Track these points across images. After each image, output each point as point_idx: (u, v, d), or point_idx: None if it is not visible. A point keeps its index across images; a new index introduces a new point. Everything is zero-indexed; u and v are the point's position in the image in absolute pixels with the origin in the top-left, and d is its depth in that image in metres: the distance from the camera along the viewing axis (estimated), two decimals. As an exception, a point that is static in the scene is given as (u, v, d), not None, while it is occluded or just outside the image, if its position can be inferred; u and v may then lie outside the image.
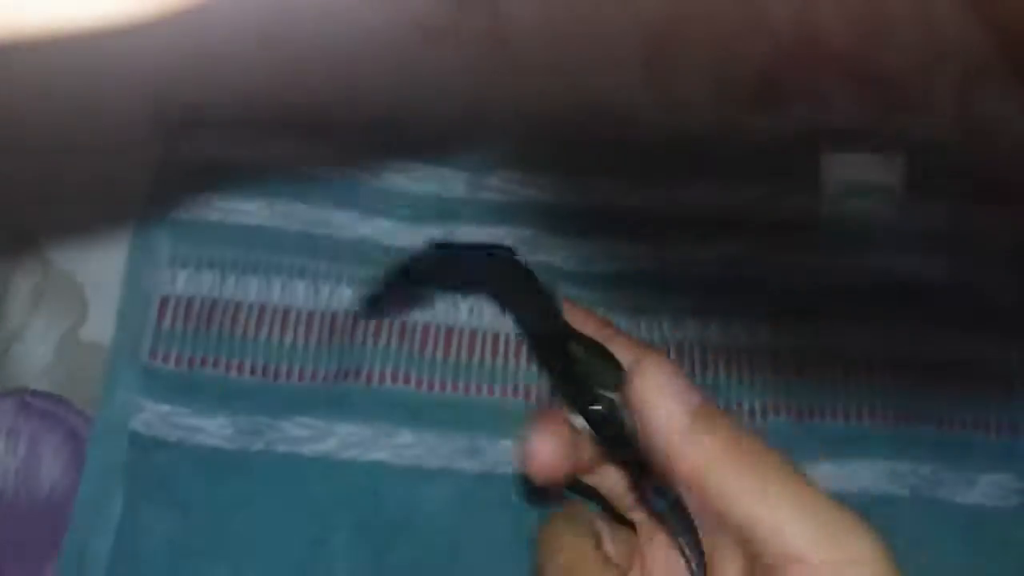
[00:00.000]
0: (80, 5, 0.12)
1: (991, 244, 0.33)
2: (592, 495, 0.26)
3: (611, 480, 0.26)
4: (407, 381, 0.30)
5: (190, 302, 0.30)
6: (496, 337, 0.31)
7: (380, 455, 0.29)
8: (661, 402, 0.23)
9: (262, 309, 0.31)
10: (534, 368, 0.31)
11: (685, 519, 0.23)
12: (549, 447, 0.24)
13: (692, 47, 0.34)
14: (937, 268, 0.33)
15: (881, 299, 0.32)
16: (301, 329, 0.31)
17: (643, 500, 0.25)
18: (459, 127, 0.32)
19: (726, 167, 0.33)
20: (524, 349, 0.31)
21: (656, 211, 0.33)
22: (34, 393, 0.29)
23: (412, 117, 0.32)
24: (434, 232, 0.32)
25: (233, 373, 0.30)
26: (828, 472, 0.30)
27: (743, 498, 0.21)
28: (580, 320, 0.27)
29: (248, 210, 0.31)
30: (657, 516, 0.25)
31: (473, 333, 0.31)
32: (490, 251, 0.29)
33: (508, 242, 0.32)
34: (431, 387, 0.30)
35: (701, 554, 0.23)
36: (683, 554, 0.23)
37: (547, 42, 0.33)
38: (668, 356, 0.30)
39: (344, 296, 0.31)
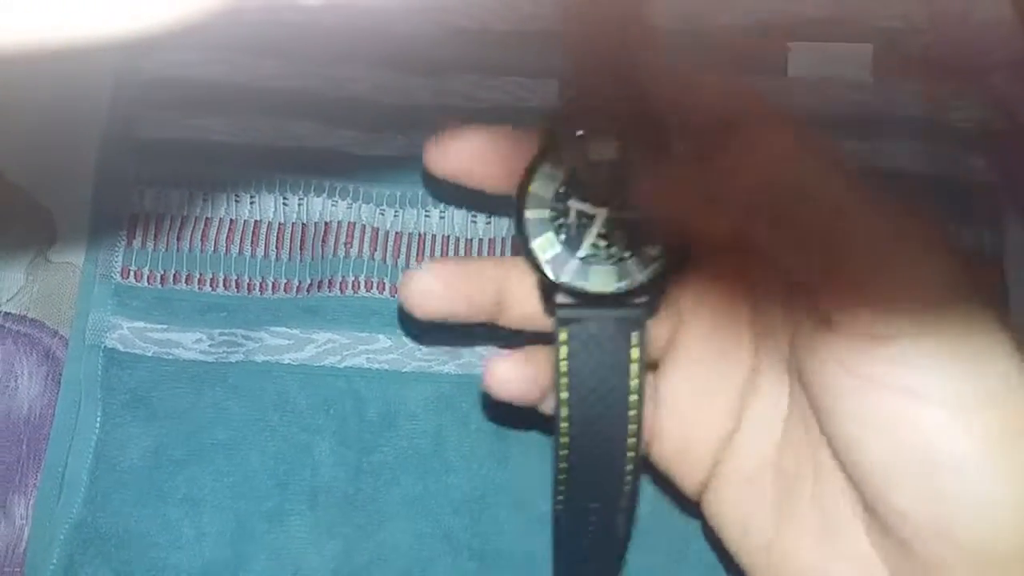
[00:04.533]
0: (118, 18, 0.12)
1: (967, 127, 0.33)
2: None
3: None
4: (381, 289, 0.30)
5: (159, 220, 0.30)
6: (469, 243, 0.31)
7: (358, 361, 0.29)
8: None
9: (232, 224, 0.31)
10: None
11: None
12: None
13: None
14: (916, 154, 0.33)
15: None
16: (272, 242, 0.31)
17: None
18: (419, 32, 0.32)
19: (696, 61, 0.33)
20: (497, 254, 0.31)
21: None
22: (7, 316, 0.29)
23: (370, 23, 0.32)
24: (400, 141, 0.31)
25: (206, 288, 0.30)
26: None
27: None
28: None
29: (212, 126, 0.31)
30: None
31: (445, 240, 0.31)
32: None
33: None
34: (406, 294, 0.30)
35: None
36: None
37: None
38: None
39: (314, 206, 0.31)
